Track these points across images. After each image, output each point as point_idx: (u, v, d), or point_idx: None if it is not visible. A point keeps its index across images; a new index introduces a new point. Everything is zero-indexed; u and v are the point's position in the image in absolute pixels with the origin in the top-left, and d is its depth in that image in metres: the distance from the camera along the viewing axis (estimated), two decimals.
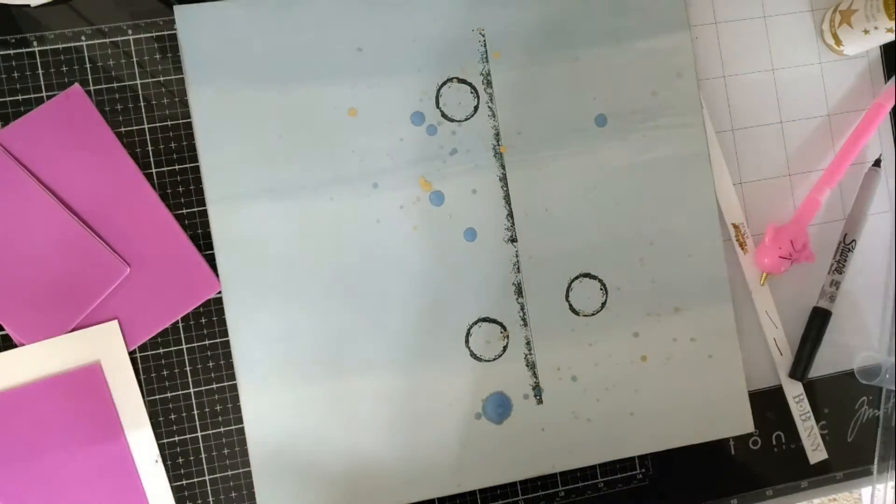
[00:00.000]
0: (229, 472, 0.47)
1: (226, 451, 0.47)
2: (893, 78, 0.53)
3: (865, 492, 0.54)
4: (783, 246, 0.50)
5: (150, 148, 0.47)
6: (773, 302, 0.52)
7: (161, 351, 0.47)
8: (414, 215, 0.49)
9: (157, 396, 0.47)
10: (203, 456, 0.47)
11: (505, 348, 0.49)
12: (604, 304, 0.50)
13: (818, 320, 0.52)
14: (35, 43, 0.46)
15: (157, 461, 0.46)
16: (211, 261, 0.47)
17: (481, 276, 0.49)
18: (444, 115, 0.49)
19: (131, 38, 0.47)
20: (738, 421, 0.51)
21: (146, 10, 0.48)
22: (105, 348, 0.46)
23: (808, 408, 0.52)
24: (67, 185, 0.46)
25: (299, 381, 0.47)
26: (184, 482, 0.47)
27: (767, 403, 0.52)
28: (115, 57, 0.47)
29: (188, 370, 0.47)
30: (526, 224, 0.50)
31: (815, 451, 0.52)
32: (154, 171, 0.47)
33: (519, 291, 0.50)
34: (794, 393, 0.52)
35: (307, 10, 0.48)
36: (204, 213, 0.47)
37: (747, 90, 0.52)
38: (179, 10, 0.47)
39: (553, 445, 0.49)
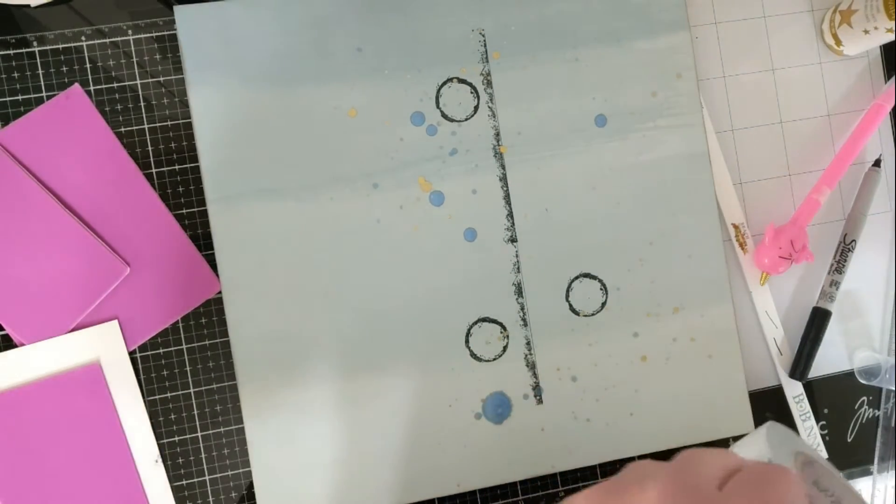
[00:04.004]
0: (229, 472, 0.47)
1: (226, 451, 0.47)
2: (893, 78, 0.53)
3: (866, 492, 0.53)
4: (783, 246, 0.50)
5: (150, 148, 0.47)
6: (772, 302, 0.52)
7: (161, 351, 0.47)
8: (414, 215, 0.49)
9: (157, 396, 0.47)
10: (203, 456, 0.47)
11: (505, 348, 0.49)
12: (604, 304, 0.50)
13: (818, 320, 0.52)
14: (35, 43, 0.46)
15: (157, 461, 0.46)
16: (211, 261, 0.47)
17: (481, 276, 0.49)
18: (444, 115, 0.49)
19: (131, 38, 0.47)
20: (738, 421, 0.51)
21: (146, 10, 0.48)
22: (105, 348, 0.46)
23: (808, 408, 0.52)
24: (67, 185, 0.46)
25: (299, 381, 0.47)
26: (184, 482, 0.47)
27: (767, 403, 0.52)
28: (115, 57, 0.47)
29: (188, 370, 0.47)
30: (526, 224, 0.50)
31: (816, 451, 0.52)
32: (154, 171, 0.47)
33: (519, 291, 0.50)
34: (794, 393, 0.52)
35: (307, 10, 0.48)
36: (204, 213, 0.47)
37: (747, 90, 0.52)
38: (179, 10, 0.47)
39: (553, 445, 0.49)
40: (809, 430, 0.52)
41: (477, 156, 0.49)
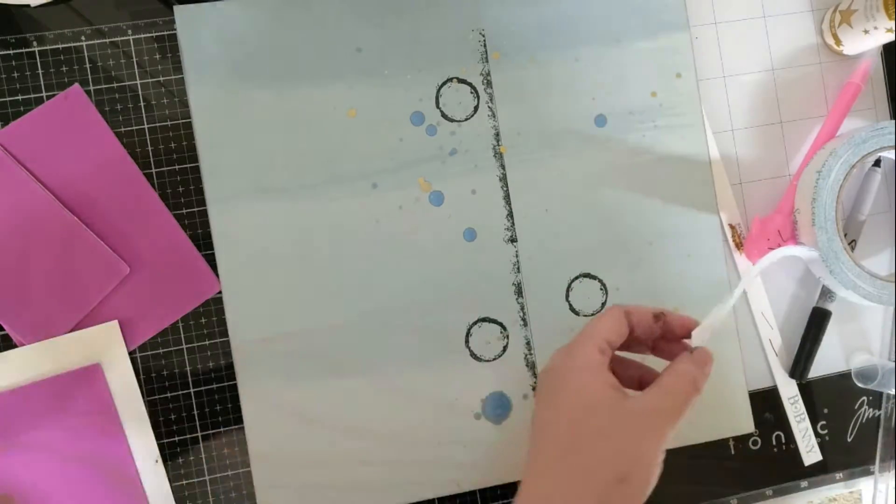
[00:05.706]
0: (229, 472, 0.47)
1: (226, 451, 0.47)
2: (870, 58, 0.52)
3: (866, 492, 0.53)
4: (771, 237, 0.50)
5: (150, 148, 0.47)
6: (768, 303, 0.52)
7: (161, 351, 0.47)
8: (413, 215, 0.49)
9: (157, 396, 0.47)
10: (203, 456, 0.47)
11: (505, 348, 0.49)
12: (604, 304, 0.50)
13: (818, 320, 0.52)
14: (35, 43, 0.47)
15: (157, 461, 0.46)
16: (211, 261, 0.47)
17: (481, 276, 0.49)
18: (443, 116, 0.49)
19: (131, 38, 0.47)
20: (739, 421, 0.51)
21: (146, 10, 0.48)
22: (105, 348, 0.46)
23: (803, 409, 0.52)
24: (67, 185, 0.46)
25: (299, 381, 0.47)
26: (184, 482, 0.47)
27: (767, 403, 0.52)
28: (115, 57, 0.47)
29: (188, 370, 0.47)
30: (526, 224, 0.50)
31: (810, 453, 0.52)
32: (154, 171, 0.47)
33: (519, 291, 0.50)
34: (789, 394, 0.52)
35: (307, 10, 0.48)
36: (204, 213, 0.47)
37: (747, 90, 0.52)
38: (179, 10, 0.47)
39: None
40: (804, 432, 0.52)
41: (477, 156, 0.49)
